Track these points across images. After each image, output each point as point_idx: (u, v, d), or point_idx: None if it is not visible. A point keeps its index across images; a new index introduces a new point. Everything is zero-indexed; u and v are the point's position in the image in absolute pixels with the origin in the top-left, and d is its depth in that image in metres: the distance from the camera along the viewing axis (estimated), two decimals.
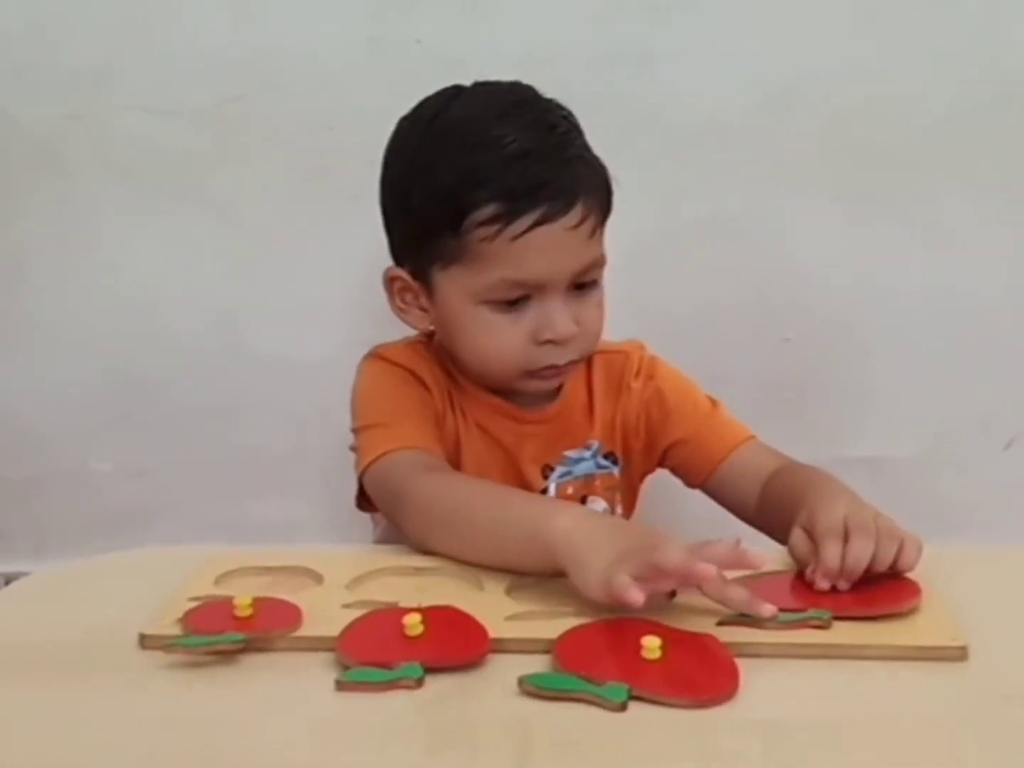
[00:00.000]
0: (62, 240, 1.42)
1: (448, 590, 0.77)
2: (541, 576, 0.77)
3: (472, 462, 1.01)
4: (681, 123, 1.34)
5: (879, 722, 0.62)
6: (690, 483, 1.06)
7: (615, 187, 0.97)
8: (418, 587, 0.78)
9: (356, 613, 0.72)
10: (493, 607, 0.73)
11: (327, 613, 0.72)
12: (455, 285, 0.94)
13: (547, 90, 1.28)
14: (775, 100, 1.32)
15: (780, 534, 0.87)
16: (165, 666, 0.68)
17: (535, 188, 0.89)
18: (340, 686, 0.65)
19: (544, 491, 1.03)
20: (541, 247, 0.90)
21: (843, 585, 0.74)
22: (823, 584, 0.74)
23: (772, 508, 0.94)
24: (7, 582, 1.48)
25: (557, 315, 0.92)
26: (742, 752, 0.59)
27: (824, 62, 1.31)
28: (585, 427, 1.04)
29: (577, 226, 0.91)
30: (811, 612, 0.70)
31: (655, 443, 1.05)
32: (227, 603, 0.72)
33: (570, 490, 1.04)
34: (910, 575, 0.75)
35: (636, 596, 0.67)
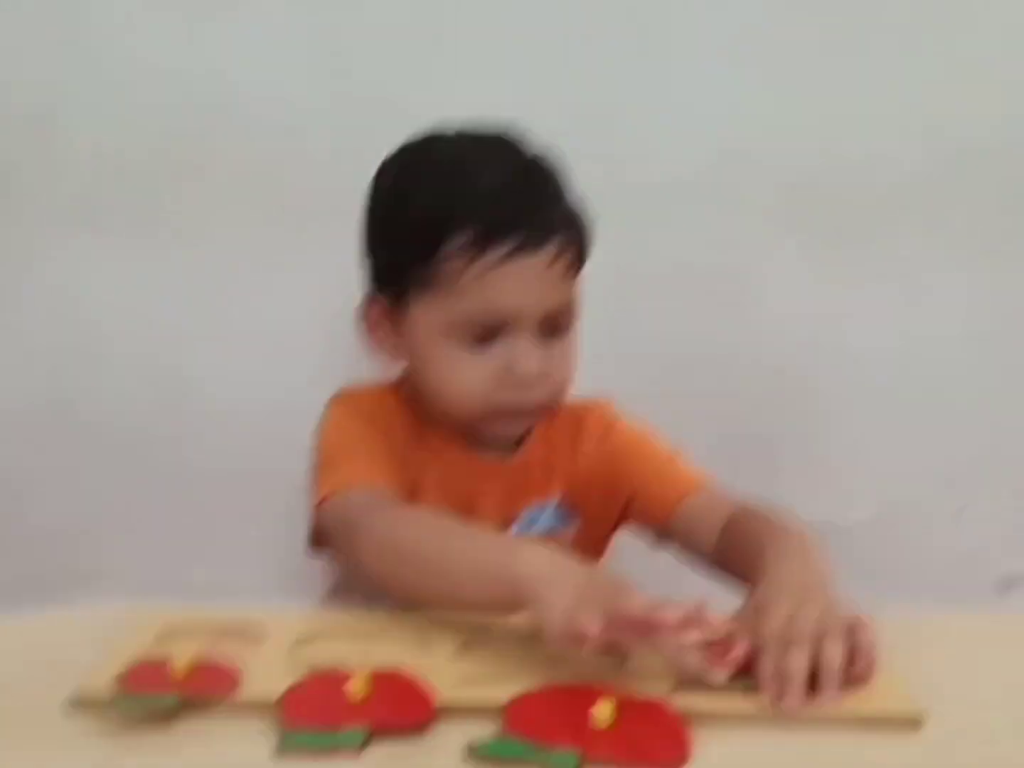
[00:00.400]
0: (3, 264, 1.37)
1: (395, 651, 0.75)
2: (494, 611, 0.76)
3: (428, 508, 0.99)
4: (644, 180, 1.34)
5: None
6: (652, 537, 1.04)
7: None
8: (363, 650, 0.75)
9: (297, 675, 0.70)
10: (441, 669, 0.71)
11: (268, 675, 0.70)
12: (426, 316, 0.93)
13: None
14: (739, 156, 1.33)
15: (739, 584, 0.87)
16: (96, 733, 0.65)
17: (510, 220, 0.89)
18: (280, 752, 0.62)
19: None
20: (513, 280, 0.90)
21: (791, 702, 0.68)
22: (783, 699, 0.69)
23: (728, 563, 0.93)
24: None
25: (525, 354, 0.92)
26: None
27: (787, 118, 1.32)
28: (545, 482, 1.03)
29: (551, 264, 0.91)
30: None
31: (613, 498, 1.04)
32: (163, 664, 0.70)
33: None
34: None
35: (594, 628, 0.66)
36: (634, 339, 1.38)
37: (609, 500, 1.05)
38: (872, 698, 0.69)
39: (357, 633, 0.79)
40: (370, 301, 0.99)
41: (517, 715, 0.65)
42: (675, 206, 1.35)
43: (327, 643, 0.77)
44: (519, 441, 1.02)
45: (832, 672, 0.69)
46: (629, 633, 0.68)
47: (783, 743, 0.65)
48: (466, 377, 0.93)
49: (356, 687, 0.67)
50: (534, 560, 0.74)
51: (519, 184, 0.92)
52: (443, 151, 0.95)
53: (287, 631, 0.77)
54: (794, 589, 0.76)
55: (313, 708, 0.66)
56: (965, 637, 0.81)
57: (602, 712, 0.64)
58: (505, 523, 1.02)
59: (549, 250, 0.91)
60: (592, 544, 1.07)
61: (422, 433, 1.01)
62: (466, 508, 1.00)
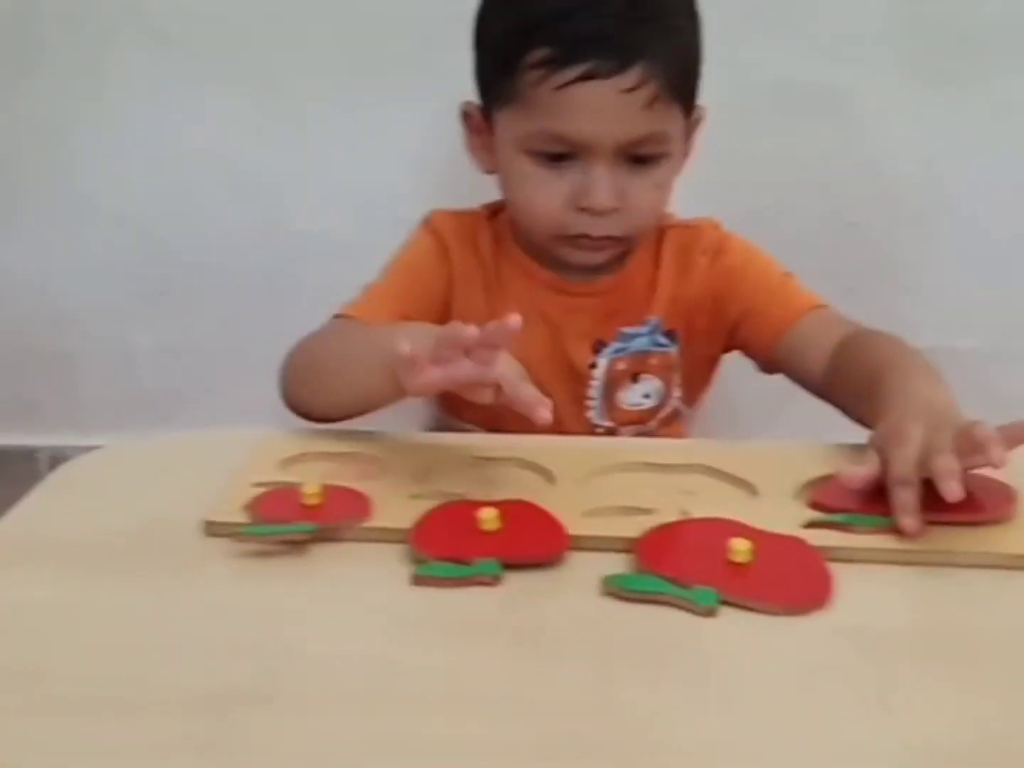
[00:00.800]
0: (97, 109, 1.37)
1: (520, 482, 0.74)
2: (389, 399, 0.79)
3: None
4: None
5: (977, 632, 0.59)
6: (759, 361, 1.01)
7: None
8: (487, 479, 0.75)
9: (426, 504, 0.69)
10: (568, 501, 0.70)
11: (397, 503, 0.70)
12: (507, 129, 0.92)
13: None
14: None
15: (852, 412, 0.84)
16: (230, 555, 0.66)
17: (589, 39, 0.85)
18: (416, 580, 0.63)
19: (593, 366, 1.00)
20: (585, 103, 0.86)
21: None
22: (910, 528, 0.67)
23: (840, 385, 0.89)
24: (49, 457, 1.47)
25: (597, 183, 0.89)
26: (837, 660, 0.56)
27: None
28: (646, 302, 1.01)
29: (632, 90, 0.86)
30: None
31: (721, 320, 1.01)
32: (295, 490, 0.70)
33: (622, 366, 1.01)
34: (1006, 480, 0.71)
35: (405, 347, 0.70)
36: (733, 165, 1.32)
37: (717, 321, 1.01)
38: (1015, 537, 0.67)
39: (480, 463, 0.77)
40: (472, 107, 0.97)
41: (651, 550, 0.65)
42: (777, 21, 1.28)
43: (451, 471, 0.76)
44: (615, 265, 0.99)
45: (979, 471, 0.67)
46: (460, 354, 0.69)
47: (925, 582, 0.64)
48: (538, 196, 0.92)
49: (488, 518, 0.66)
50: (409, 333, 0.75)
51: (614, 4, 0.86)
52: None
53: (410, 459, 0.77)
54: (929, 412, 0.72)
55: (446, 538, 0.66)
56: None
57: (740, 548, 0.63)
58: (598, 345, 1.00)
59: (632, 75, 0.86)
60: (696, 367, 1.05)
61: (512, 255, 1.00)
62: (551, 330, 0.99)
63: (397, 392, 0.76)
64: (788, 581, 0.62)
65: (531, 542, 0.66)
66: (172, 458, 0.81)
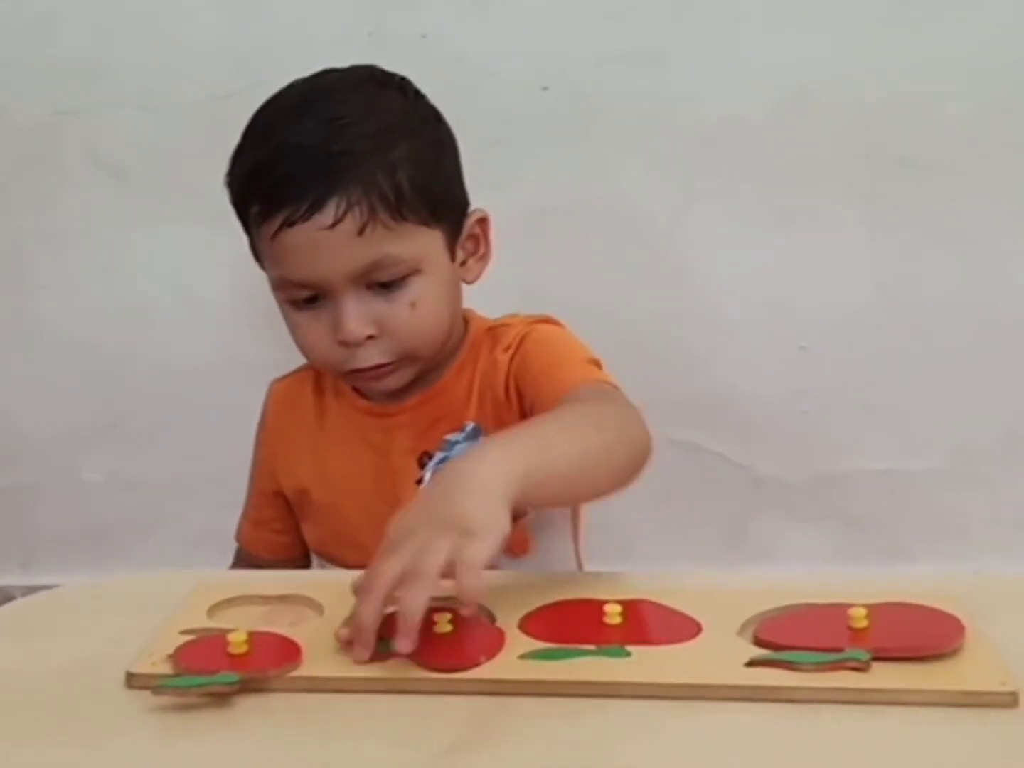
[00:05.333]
0: (54, 240, 1.39)
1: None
2: None
3: (340, 476, 1.01)
4: (695, 123, 1.30)
5: None
6: None
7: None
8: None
9: None
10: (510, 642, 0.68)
11: (328, 649, 0.67)
12: (268, 281, 0.96)
13: (555, 87, 1.25)
14: (792, 100, 1.28)
15: None
16: (154, 708, 0.63)
17: (282, 186, 0.88)
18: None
19: (419, 481, 0.98)
20: (296, 247, 0.89)
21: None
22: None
23: None
24: None
25: (343, 316, 0.91)
26: None
27: (844, 61, 1.27)
28: (462, 407, 0.99)
29: (333, 225, 0.87)
30: (848, 652, 0.66)
31: (521, 413, 0.97)
32: (220, 638, 0.67)
33: None
34: (951, 610, 0.70)
35: None
36: (682, 285, 1.34)
37: (520, 415, 0.97)
38: (963, 673, 0.64)
39: None
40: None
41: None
42: (726, 152, 1.30)
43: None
44: (423, 381, 0.99)
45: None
46: None
47: (869, 722, 0.62)
48: (307, 338, 0.94)
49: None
50: None
51: (307, 145, 0.88)
52: (263, 116, 0.94)
53: (347, 600, 0.74)
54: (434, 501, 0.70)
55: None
56: None
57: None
58: (423, 457, 0.98)
59: (329, 211, 0.87)
60: None
61: (341, 393, 1.03)
62: (376, 454, 1.00)
63: None
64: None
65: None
66: (113, 601, 0.80)
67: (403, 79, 0.97)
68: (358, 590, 0.66)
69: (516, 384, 0.97)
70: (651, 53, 1.27)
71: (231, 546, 1.10)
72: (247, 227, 0.94)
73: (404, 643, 0.63)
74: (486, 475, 0.69)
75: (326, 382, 1.05)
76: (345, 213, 0.87)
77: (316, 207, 0.87)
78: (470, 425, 0.98)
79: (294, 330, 0.95)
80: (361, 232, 0.88)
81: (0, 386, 1.43)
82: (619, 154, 1.29)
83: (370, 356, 0.93)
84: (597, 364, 0.95)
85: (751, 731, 0.61)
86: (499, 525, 0.66)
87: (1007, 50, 1.26)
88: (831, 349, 1.35)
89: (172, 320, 1.41)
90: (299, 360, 1.35)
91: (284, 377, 1.09)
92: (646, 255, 1.30)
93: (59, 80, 1.34)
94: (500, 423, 0.98)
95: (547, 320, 1.01)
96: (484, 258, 1.00)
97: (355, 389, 1.02)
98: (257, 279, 1.34)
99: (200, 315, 1.40)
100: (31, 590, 0.83)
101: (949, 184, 1.30)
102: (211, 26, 1.32)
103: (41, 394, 1.42)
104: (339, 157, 0.88)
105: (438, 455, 0.98)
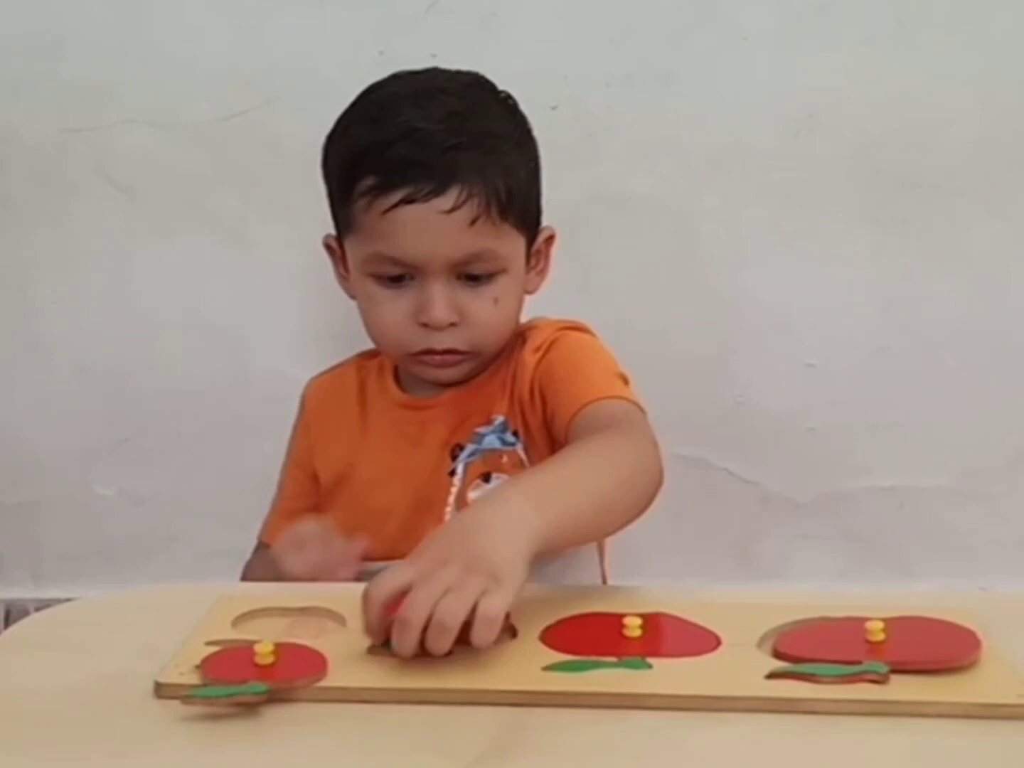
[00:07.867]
0: (63, 258, 1.39)
1: None
2: None
3: (375, 464, 1.04)
4: (702, 145, 1.31)
5: None
6: None
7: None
8: None
9: (387, 660, 0.67)
10: (529, 655, 0.69)
11: (353, 660, 0.68)
12: (352, 255, 0.99)
13: (563, 107, 1.26)
14: (799, 122, 1.30)
15: None
16: (183, 718, 0.64)
17: (406, 165, 0.91)
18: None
19: (452, 472, 1.01)
20: (408, 225, 0.93)
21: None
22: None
23: None
24: (5, 610, 1.44)
25: (432, 299, 0.95)
26: None
27: (850, 84, 1.28)
28: (497, 404, 1.02)
29: (451, 211, 0.92)
30: (867, 664, 0.66)
31: (544, 416, 0.99)
32: (247, 649, 0.68)
33: (477, 466, 1.01)
34: (967, 624, 0.70)
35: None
36: (689, 306, 1.35)
37: (542, 417, 0.99)
38: (979, 685, 0.65)
39: None
40: (331, 239, 1.03)
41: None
42: (733, 175, 1.32)
43: None
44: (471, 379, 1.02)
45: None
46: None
47: (888, 734, 0.62)
48: (384, 315, 0.98)
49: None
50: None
51: (430, 131, 0.93)
52: (381, 95, 0.98)
53: None
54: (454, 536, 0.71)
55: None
56: None
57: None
58: (455, 450, 1.01)
59: (450, 197, 0.92)
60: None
61: (383, 388, 1.06)
62: (411, 446, 1.03)
63: None
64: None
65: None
66: (130, 614, 0.80)
67: (508, 93, 1.02)
68: (397, 621, 0.66)
69: (540, 388, 0.99)
70: (660, 75, 1.29)
71: (241, 560, 1.11)
72: (345, 198, 0.96)
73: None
74: (512, 528, 0.70)
75: (369, 377, 1.07)
76: (464, 202, 0.92)
77: (438, 191, 0.91)
78: (499, 418, 1.01)
79: (372, 306, 0.99)
80: (473, 223, 0.93)
81: (11, 403, 1.43)
82: (627, 174, 1.30)
83: (447, 340, 0.97)
84: (624, 379, 0.96)
85: (772, 742, 0.61)
86: (520, 578, 0.68)
87: (1012, 73, 1.28)
88: (838, 367, 1.36)
89: (181, 337, 1.41)
90: (306, 377, 1.38)
91: (322, 374, 1.12)
92: (654, 274, 1.32)
93: (69, 98, 1.35)
94: (525, 423, 1.01)
95: (578, 327, 1.03)
96: (543, 272, 1.05)
97: (396, 381, 1.05)
98: (265, 296, 1.37)
99: (209, 332, 1.40)
100: (44, 604, 0.84)
101: (955, 206, 1.31)
102: (220, 45, 1.33)
103: (51, 410, 1.42)
104: (462, 148, 0.93)
105: (469, 447, 1.01)
